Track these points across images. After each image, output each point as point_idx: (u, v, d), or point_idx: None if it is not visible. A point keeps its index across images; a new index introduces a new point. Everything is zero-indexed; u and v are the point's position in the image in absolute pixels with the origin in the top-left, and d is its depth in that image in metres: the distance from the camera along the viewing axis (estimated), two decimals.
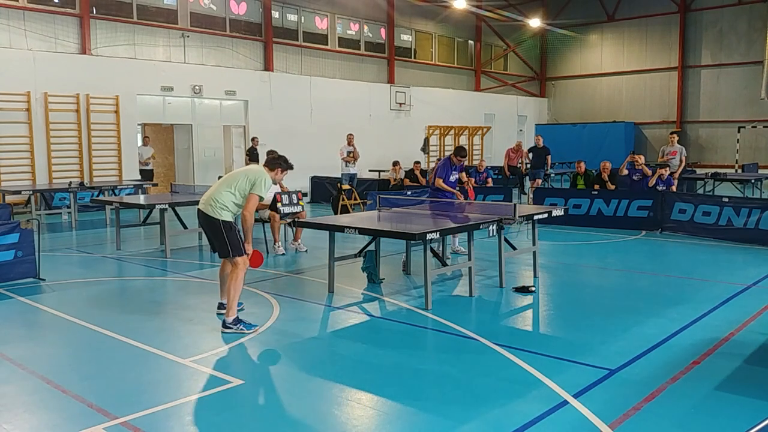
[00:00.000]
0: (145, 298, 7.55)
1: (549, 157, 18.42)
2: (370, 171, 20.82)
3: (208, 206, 6.05)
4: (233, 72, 20.16)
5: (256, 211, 10.29)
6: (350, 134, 17.39)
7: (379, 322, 6.40)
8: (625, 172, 13.73)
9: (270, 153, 12.60)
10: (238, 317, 5.97)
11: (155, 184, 16.65)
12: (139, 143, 18.37)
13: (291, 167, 6.46)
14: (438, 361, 5.25)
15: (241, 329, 5.87)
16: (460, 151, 9.65)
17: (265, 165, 6.39)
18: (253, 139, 18.93)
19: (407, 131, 25.37)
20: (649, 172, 13.01)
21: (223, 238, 6.01)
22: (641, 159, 13.50)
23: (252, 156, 18.53)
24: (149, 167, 18.01)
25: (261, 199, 6.14)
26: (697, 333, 5.79)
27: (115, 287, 8.13)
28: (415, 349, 5.53)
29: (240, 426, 4.04)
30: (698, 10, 28.44)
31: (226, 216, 6.04)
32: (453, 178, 9.84)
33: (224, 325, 5.94)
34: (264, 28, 21.28)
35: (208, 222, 6.07)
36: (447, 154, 26.66)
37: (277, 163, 6.37)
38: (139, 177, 17.44)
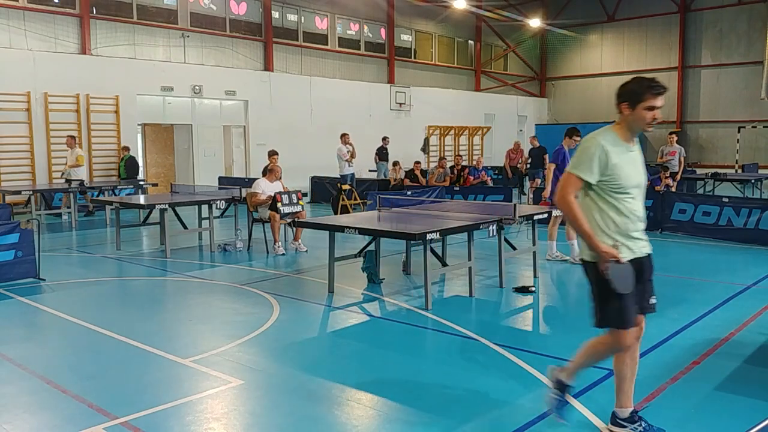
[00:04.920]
0: (145, 298, 7.56)
1: (547, 157, 18.41)
2: (370, 171, 20.83)
3: None
4: (233, 72, 20.16)
5: (256, 210, 10.40)
6: (346, 133, 15.62)
7: (379, 322, 6.40)
8: None
9: (271, 153, 12.68)
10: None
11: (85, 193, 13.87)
12: (139, 145, 18.01)
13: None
14: (438, 361, 5.25)
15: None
16: (573, 131, 8.89)
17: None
18: (383, 139, 19.70)
19: (407, 131, 25.36)
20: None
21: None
22: None
23: (381, 155, 19.45)
24: (72, 176, 14.09)
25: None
26: (697, 333, 5.78)
27: (115, 287, 8.13)
28: (415, 349, 5.53)
29: (240, 426, 4.04)
30: (698, 10, 28.45)
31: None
32: None
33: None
34: (264, 28, 21.28)
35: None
36: (447, 154, 26.95)
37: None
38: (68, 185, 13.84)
